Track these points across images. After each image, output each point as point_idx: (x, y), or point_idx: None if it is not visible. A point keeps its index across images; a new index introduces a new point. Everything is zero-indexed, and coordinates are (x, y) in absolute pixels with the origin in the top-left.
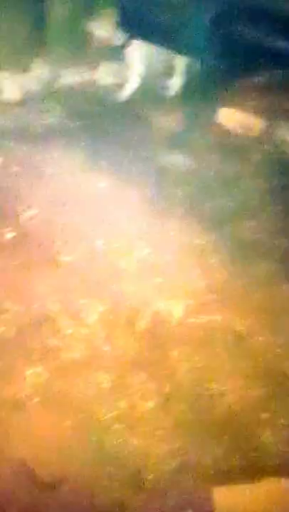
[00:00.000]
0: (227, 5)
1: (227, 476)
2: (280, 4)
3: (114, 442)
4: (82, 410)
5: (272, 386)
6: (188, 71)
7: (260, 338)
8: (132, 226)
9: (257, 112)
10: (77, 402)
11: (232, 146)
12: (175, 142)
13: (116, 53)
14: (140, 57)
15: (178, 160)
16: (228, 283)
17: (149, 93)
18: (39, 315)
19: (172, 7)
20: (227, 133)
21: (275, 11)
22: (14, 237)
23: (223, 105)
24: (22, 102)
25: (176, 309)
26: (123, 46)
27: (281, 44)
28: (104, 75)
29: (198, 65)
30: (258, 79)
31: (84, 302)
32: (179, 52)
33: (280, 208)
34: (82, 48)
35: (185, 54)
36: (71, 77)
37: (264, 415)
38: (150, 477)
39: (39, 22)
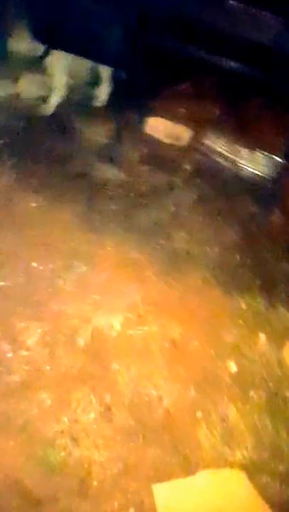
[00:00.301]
0: (145, 15)
1: (166, 474)
2: (199, 14)
3: (59, 456)
4: (26, 430)
5: (206, 386)
6: (115, 80)
7: (194, 343)
8: (68, 244)
9: (184, 120)
10: (21, 423)
11: (162, 156)
12: (106, 154)
13: (37, 65)
14: (63, 67)
15: (110, 173)
16: (164, 293)
17: (76, 104)
18: None
19: (88, 17)
20: (157, 143)
21: (194, 20)
22: None
23: (151, 114)
24: None
25: (114, 323)
26: (43, 57)
27: (201, 53)
28: (26, 87)
29: (123, 74)
30: (184, 86)
31: (22, 325)
32: (98, 62)
33: (211, 217)
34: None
35: (104, 64)
36: None
37: (199, 414)
38: (95, 484)
39: None
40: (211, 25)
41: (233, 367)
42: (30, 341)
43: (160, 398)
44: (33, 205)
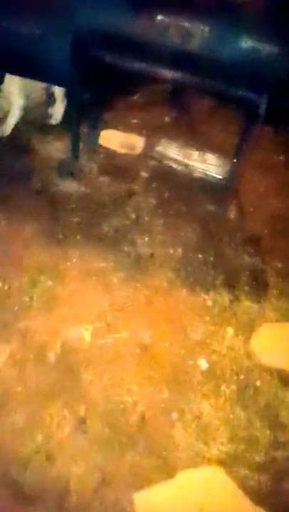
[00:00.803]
0: (84, 33)
1: (145, 479)
2: (131, 30)
3: (35, 474)
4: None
5: (178, 386)
6: (68, 97)
7: (164, 344)
8: (32, 260)
9: (137, 129)
10: None
11: (119, 166)
12: (64, 169)
13: None
14: (18, 90)
15: (70, 187)
16: (131, 298)
17: (33, 123)
18: None
19: (31, 40)
20: (112, 154)
21: (128, 36)
22: None
23: (105, 127)
24: None
25: (84, 334)
26: None
27: (142, 66)
28: None
29: (75, 92)
30: (136, 97)
31: None
32: (48, 83)
33: (171, 219)
34: None
35: (54, 84)
36: None
37: (174, 415)
38: (74, 498)
39: None
40: (144, 39)
41: (203, 364)
42: None
43: (134, 403)
44: None
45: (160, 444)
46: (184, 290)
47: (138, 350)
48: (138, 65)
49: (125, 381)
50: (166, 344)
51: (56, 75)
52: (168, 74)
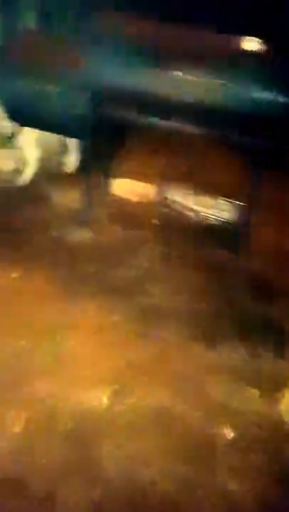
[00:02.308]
0: (95, 92)
1: None
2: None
3: None
4: None
5: (201, 458)
6: (82, 148)
7: (183, 407)
8: (45, 315)
9: (147, 177)
10: None
11: (131, 213)
12: (79, 218)
13: (8, 142)
14: (33, 141)
15: (84, 236)
16: (146, 354)
17: (48, 173)
18: None
19: (49, 99)
20: (124, 202)
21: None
22: None
23: (117, 176)
24: None
25: (100, 398)
26: (13, 135)
27: (159, 122)
28: (2, 162)
29: (88, 143)
30: (143, 148)
31: None
32: (65, 135)
33: (183, 268)
34: None
35: (70, 137)
36: None
37: (199, 492)
38: None
39: None
40: (161, 95)
41: (227, 432)
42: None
43: (153, 481)
44: (14, 275)
45: None
46: (199, 344)
47: (155, 415)
48: (154, 121)
49: (144, 453)
50: (185, 406)
51: (73, 129)
52: (184, 128)
